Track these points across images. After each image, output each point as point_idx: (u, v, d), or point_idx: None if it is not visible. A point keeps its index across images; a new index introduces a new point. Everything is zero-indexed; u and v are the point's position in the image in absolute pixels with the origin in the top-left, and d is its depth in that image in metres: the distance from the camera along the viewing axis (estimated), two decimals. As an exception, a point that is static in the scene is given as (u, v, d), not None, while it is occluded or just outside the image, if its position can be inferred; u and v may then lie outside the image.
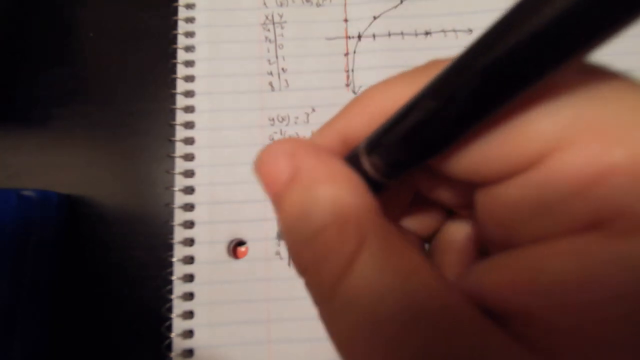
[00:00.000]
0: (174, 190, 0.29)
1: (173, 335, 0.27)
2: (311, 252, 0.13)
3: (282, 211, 0.14)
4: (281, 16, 0.32)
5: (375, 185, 0.14)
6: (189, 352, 0.27)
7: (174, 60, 0.31)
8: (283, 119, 0.30)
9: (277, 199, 0.14)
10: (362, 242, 0.12)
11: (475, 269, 0.13)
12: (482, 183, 0.13)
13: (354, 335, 0.12)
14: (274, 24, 0.31)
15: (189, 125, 0.30)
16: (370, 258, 0.12)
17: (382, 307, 0.11)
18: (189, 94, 0.30)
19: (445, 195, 0.17)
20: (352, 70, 0.30)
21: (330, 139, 0.17)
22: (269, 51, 0.31)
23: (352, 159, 0.15)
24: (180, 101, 0.30)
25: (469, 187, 0.16)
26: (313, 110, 0.30)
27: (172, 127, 0.30)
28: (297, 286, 0.28)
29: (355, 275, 0.12)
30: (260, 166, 0.15)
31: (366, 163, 0.14)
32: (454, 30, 0.31)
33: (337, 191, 0.13)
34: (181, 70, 0.31)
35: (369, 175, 0.14)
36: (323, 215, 0.12)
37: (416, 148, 0.13)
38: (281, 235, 0.27)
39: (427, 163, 0.14)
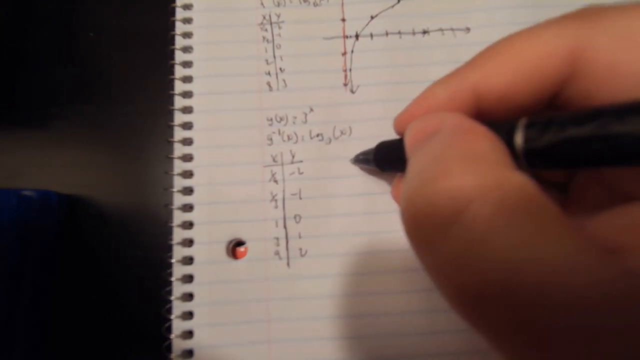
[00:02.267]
0: (172, 191, 0.29)
1: (173, 336, 0.27)
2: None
3: (425, 147, 0.14)
4: (278, 16, 0.31)
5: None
6: (189, 353, 0.27)
7: (172, 61, 0.31)
8: (281, 119, 0.30)
9: (419, 143, 0.15)
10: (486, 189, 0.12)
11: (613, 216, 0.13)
12: None
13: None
14: (271, 24, 0.31)
15: (187, 125, 0.30)
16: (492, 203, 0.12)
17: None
18: (186, 94, 0.30)
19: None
20: (350, 70, 0.30)
21: (460, 91, 0.17)
22: (266, 51, 0.31)
23: (500, 127, 0.15)
24: (178, 102, 0.30)
25: None
26: (311, 109, 0.30)
27: (170, 128, 0.30)
28: (297, 286, 0.28)
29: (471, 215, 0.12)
30: (410, 128, 0.16)
31: (520, 137, 0.14)
32: (452, 29, 0.31)
33: (474, 141, 0.13)
34: (179, 71, 0.31)
35: (515, 149, 0.14)
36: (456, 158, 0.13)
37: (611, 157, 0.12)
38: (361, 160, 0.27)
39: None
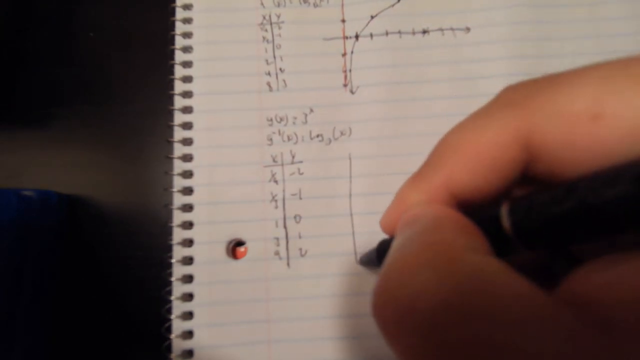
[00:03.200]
0: (172, 191, 0.29)
1: (173, 336, 0.27)
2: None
3: (399, 235, 0.15)
4: (279, 16, 0.31)
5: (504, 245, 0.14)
6: (189, 353, 0.27)
7: (172, 61, 0.31)
8: (281, 119, 0.30)
9: (399, 231, 0.16)
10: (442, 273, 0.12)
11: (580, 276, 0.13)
12: None
13: None
14: (271, 24, 0.31)
15: (187, 126, 0.30)
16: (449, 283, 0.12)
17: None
18: (186, 94, 0.30)
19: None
20: (350, 71, 0.30)
21: (432, 192, 0.17)
22: (266, 51, 0.31)
23: (484, 214, 0.15)
24: (178, 102, 0.30)
25: None
26: (311, 110, 0.30)
27: (170, 128, 0.30)
28: (297, 286, 0.28)
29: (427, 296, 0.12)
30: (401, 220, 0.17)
31: (506, 220, 0.14)
32: (452, 29, 0.31)
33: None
34: (179, 71, 0.31)
35: (504, 232, 0.14)
36: (420, 245, 0.14)
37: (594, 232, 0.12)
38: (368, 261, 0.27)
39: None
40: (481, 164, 0.15)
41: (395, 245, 0.15)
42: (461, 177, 0.16)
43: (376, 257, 0.25)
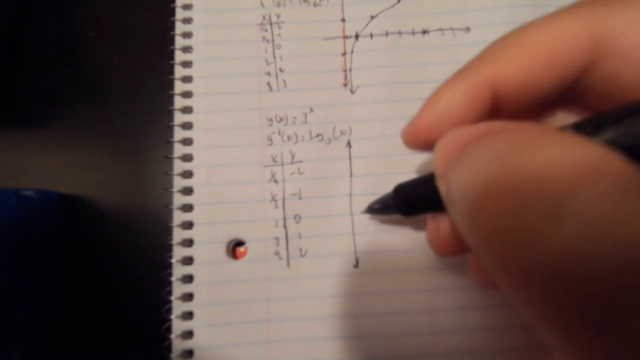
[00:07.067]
0: (172, 191, 0.29)
1: (173, 336, 0.27)
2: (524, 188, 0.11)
3: (485, 144, 0.12)
4: (278, 16, 0.31)
5: None
6: (189, 353, 0.27)
7: (172, 61, 0.31)
8: (281, 119, 0.30)
9: (467, 149, 0.13)
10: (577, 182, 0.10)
11: None
12: None
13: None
14: (271, 24, 0.31)
15: (187, 125, 0.30)
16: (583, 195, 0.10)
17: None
18: (186, 94, 0.30)
19: None
20: (350, 70, 0.30)
21: (475, 88, 0.15)
22: (266, 51, 0.31)
23: None
24: (178, 102, 0.30)
25: None
26: (311, 110, 0.30)
27: (170, 128, 0.30)
28: (297, 286, 0.28)
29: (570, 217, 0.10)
30: (444, 142, 0.14)
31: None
32: (452, 29, 0.31)
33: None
34: (179, 71, 0.31)
35: None
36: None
37: None
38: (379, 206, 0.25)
39: None
40: (542, 57, 0.14)
41: (487, 146, 0.12)
42: (513, 72, 0.15)
43: (393, 200, 0.23)
